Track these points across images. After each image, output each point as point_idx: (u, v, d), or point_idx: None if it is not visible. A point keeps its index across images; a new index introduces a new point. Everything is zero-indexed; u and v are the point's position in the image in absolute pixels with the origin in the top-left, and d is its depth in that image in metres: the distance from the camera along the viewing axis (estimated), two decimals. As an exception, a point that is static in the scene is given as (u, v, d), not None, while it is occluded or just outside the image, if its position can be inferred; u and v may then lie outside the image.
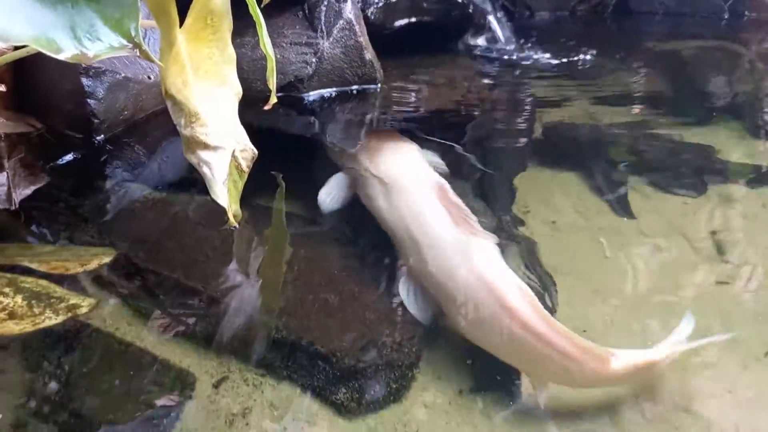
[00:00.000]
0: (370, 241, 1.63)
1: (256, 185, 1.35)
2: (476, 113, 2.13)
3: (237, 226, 1.24)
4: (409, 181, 1.56)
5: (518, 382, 1.43)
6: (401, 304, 1.47)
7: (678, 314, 1.52)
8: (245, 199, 1.29)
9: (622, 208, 1.82)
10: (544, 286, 1.66)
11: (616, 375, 1.33)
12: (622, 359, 1.32)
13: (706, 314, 1.54)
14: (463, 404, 1.42)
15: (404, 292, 1.45)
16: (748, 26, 3.09)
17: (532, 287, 1.65)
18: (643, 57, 2.66)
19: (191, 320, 1.46)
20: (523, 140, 2.03)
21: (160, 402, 1.22)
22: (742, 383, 1.40)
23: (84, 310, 1.27)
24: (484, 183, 1.83)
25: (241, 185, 1.26)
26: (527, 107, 2.23)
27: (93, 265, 1.36)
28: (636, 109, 2.21)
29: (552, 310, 1.53)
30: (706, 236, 1.72)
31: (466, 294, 1.37)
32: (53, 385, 1.22)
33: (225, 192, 1.17)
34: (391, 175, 1.57)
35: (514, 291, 1.36)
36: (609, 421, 1.37)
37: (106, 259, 1.39)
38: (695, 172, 1.87)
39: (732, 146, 1.96)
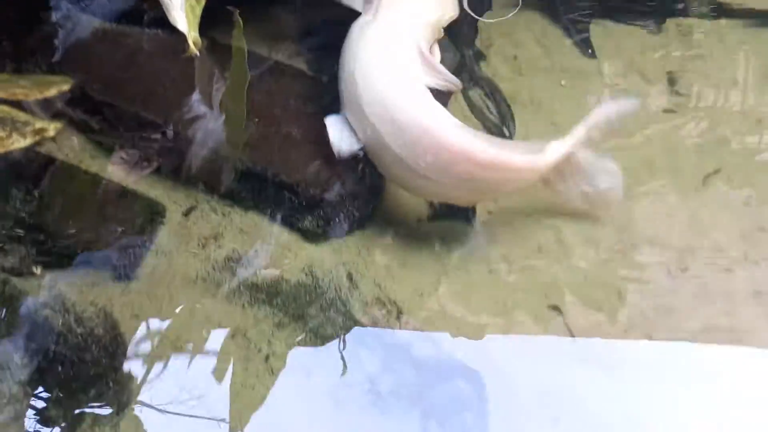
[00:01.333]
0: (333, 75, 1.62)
1: (211, 20, 1.30)
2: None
3: (197, 53, 1.22)
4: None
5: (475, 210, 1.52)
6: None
7: (628, 146, 1.61)
8: (201, 34, 1.25)
9: (584, 43, 1.83)
10: (502, 118, 1.70)
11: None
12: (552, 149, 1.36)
13: (652, 144, 1.62)
14: (424, 231, 1.51)
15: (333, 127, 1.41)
16: None
17: (489, 119, 1.71)
18: None
19: (154, 153, 1.47)
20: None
21: (133, 228, 1.25)
22: (679, 208, 1.51)
23: (51, 133, 1.26)
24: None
25: (198, 10, 1.22)
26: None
27: (53, 92, 1.33)
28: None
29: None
30: (662, 73, 1.75)
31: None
32: (27, 210, 1.24)
33: (183, 17, 1.13)
34: None
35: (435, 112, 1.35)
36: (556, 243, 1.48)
37: (65, 87, 1.35)
38: (659, 7, 1.86)
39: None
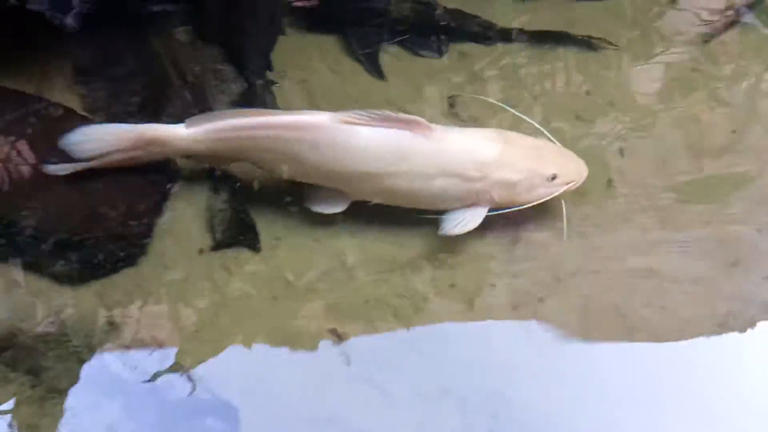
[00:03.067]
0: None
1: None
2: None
3: None
4: None
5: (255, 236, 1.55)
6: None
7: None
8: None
9: (374, 68, 1.91)
10: None
11: None
12: None
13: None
14: (205, 261, 1.52)
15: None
16: None
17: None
18: None
19: None
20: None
21: None
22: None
23: None
24: (235, 46, 1.82)
25: None
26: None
27: None
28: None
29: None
30: (442, 97, 1.85)
31: None
32: None
33: None
34: None
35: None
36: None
37: None
38: (442, 33, 1.97)
39: (482, 5, 2.06)
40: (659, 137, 1.78)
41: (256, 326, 1.45)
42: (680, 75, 1.92)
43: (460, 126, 1.70)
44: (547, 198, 1.48)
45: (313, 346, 1.43)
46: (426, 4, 1.99)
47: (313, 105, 1.81)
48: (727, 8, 2.04)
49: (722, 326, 1.44)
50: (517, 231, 1.56)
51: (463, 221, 1.45)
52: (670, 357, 1.42)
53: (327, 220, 1.56)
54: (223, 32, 1.80)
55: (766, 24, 2.03)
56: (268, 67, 1.84)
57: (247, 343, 1.40)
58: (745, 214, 1.63)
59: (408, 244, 1.56)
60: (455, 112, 1.81)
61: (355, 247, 1.57)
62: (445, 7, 1.99)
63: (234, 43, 1.80)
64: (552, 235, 1.56)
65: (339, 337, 1.44)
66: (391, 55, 1.95)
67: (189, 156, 1.56)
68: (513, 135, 1.54)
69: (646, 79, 1.91)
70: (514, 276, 1.51)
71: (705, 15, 2.03)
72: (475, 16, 1.98)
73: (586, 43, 1.94)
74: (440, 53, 1.94)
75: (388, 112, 1.43)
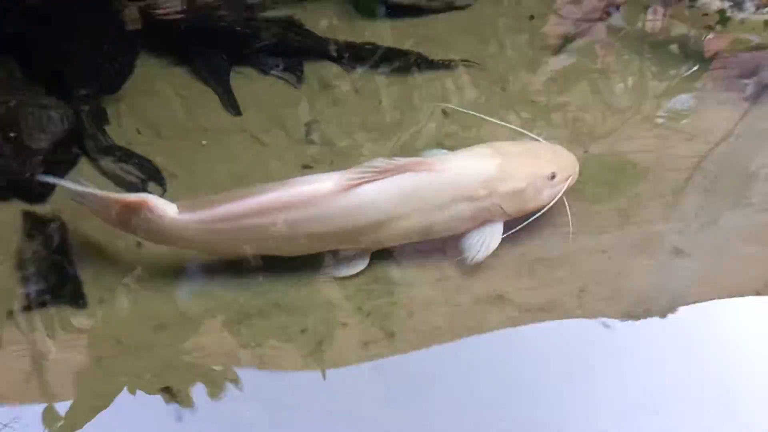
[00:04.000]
0: None
1: None
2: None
3: None
4: None
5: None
6: None
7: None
8: None
9: (228, 100, 1.78)
10: (149, 176, 1.61)
11: None
12: None
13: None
14: (17, 324, 1.34)
15: None
16: None
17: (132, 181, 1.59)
18: None
19: None
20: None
21: None
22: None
23: None
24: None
25: None
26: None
27: None
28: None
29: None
30: (300, 124, 1.74)
31: None
32: None
33: None
34: None
35: None
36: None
37: None
38: (299, 57, 1.86)
39: (338, 27, 1.97)
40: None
41: (79, 390, 1.28)
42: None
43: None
44: (556, 199, 1.46)
45: (144, 406, 1.27)
46: (280, 26, 1.88)
47: (154, 132, 1.69)
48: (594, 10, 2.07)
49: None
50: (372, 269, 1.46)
51: (484, 243, 1.44)
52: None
53: (169, 270, 1.42)
54: (43, 60, 1.63)
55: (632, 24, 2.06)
56: (104, 91, 1.68)
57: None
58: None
59: (258, 291, 1.43)
60: (311, 139, 1.70)
61: (201, 297, 1.42)
62: (301, 29, 1.89)
63: (57, 68, 1.63)
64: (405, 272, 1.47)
65: (172, 395, 1.29)
66: (245, 78, 1.83)
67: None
68: (503, 144, 1.51)
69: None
70: (367, 314, 1.40)
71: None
72: (333, 38, 1.88)
73: (444, 65, 1.87)
74: (298, 77, 1.82)
75: (385, 162, 1.36)
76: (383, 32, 1.95)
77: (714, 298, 1.44)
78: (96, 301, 1.39)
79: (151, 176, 1.62)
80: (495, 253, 1.43)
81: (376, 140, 1.71)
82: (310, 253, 1.44)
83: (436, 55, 1.88)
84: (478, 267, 1.45)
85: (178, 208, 1.35)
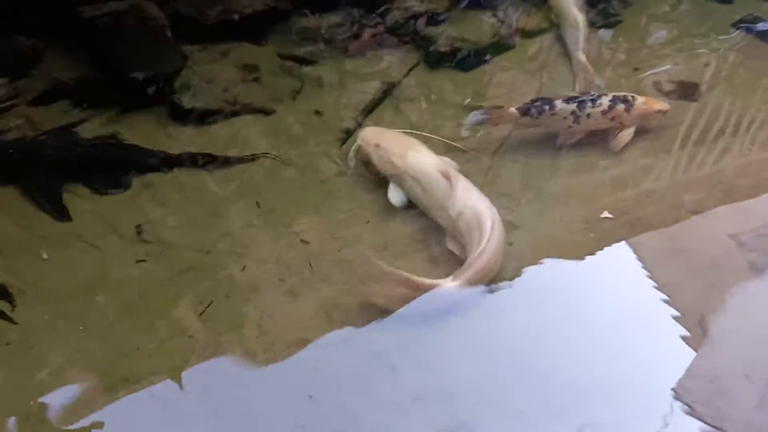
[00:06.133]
0: None
1: None
2: None
3: None
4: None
5: None
6: None
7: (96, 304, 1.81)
8: None
9: (56, 208, 2.02)
10: None
11: None
12: None
13: (124, 292, 1.84)
14: None
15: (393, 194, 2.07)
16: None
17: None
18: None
19: None
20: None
21: None
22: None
23: None
24: None
25: None
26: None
27: None
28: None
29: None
30: (132, 227, 2.01)
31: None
32: None
33: None
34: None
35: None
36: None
37: None
38: (123, 168, 2.14)
39: (153, 135, 2.26)
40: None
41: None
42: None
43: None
44: None
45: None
46: (100, 144, 2.15)
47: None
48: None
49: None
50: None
51: None
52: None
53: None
54: None
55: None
56: None
57: None
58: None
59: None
60: (143, 239, 1.96)
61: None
62: (122, 144, 2.17)
63: None
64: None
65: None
66: (76, 195, 2.07)
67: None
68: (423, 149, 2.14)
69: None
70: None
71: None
72: (152, 150, 2.18)
73: (249, 159, 2.21)
74: (124, 187, 2.10)
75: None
76: (195, 137, 2.28)
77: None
78: None
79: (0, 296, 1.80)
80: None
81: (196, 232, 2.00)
82: None
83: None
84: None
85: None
